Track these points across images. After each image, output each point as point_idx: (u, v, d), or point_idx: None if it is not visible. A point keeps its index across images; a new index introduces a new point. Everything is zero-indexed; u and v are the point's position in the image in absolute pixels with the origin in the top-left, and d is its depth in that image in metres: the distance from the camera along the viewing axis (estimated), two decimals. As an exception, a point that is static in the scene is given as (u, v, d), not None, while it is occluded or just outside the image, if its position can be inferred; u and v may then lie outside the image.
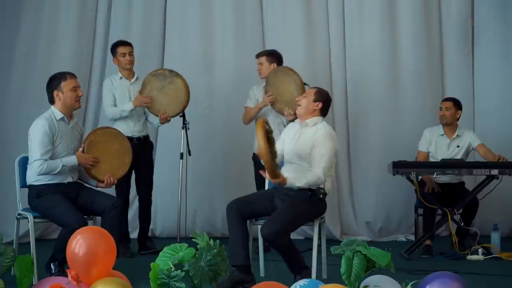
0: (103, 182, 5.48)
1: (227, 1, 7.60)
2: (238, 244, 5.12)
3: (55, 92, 5.35)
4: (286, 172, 5.22)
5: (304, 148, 5.24)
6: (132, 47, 6.58)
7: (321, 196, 5.19)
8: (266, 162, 4.93)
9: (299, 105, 5.38)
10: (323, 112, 5.39)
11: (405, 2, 7.66)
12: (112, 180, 5.51)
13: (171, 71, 6.52)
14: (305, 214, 5.22)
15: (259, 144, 4.94)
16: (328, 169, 5.18)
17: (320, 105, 5.34)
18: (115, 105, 6.47)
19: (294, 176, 5.13)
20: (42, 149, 5.25)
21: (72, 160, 5.38)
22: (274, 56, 6.73)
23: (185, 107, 6.56)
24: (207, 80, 7.58)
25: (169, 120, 6.55)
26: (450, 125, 6.79)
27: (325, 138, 5.20)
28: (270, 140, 5.08)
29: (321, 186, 5.20)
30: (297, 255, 5.18)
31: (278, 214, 5.07)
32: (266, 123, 5.15)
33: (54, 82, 5.38)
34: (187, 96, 6.48)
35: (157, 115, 6.49)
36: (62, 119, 5.38)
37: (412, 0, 7.65)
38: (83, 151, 5.42)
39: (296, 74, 6.41)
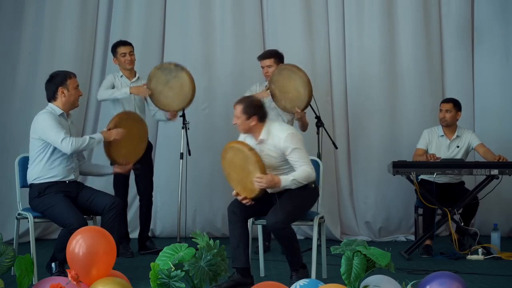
0: (120, 164, 5.63)
1: (227, 1, 7.59)
2: (239, 247, 5.15)
3: (60, 89, 5.36)
4: None
5: (274, 162, 5.23)
6: (133, 46, 6.58)
7: (313, 185, 5.27)
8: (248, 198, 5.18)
9: (238, 127, 5.26)
10: (263, 118, 5.24)
11: (405, 2, 7.65)
12: (127, 163, 5.70)
13: (176, 65, 6.44)
14: (304, 201, 5.26)
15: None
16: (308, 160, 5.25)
17: (255, 118, 5.19)
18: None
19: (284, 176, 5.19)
20: (61, 130, 5.27)
21: (97, 135, 5.49)
22: (280, 57, 6.62)
23: (191, 100, 6.49)
24: (207, 79, 7.56)
25: (176, 116, 6.52)
26: (450, 126, 6.79)
27: (291, 140, 5.16)
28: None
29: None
30: (298, 250, 5.24)
31: (281, 204, 5.10)
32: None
33: (58, 79, 5.39)
34: (192, 90, 6.42)
35: (163, 109, 6.47)
36: (61, 115, 5.39)
37: (411, 0, 7.64)
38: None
39: (302, 71, 6.27)
